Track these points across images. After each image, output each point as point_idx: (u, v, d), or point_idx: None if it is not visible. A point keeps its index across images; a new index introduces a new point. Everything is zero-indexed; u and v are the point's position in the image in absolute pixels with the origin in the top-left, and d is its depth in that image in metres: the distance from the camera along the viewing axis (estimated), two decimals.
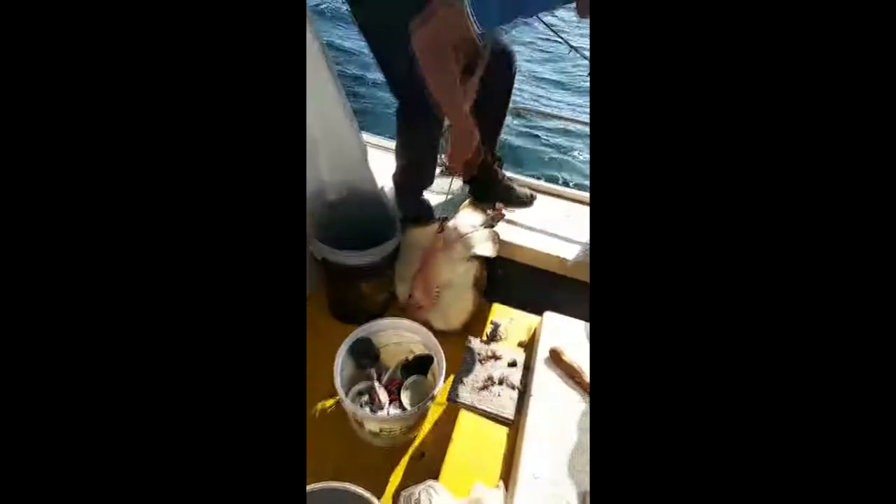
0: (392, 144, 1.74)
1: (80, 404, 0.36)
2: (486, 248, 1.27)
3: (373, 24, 1.16)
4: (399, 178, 1.46)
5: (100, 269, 0.37)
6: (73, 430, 0.36)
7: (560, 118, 2.19)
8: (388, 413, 1.18)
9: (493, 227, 1.40)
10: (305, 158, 1.20)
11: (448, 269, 1.33)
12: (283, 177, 0.42)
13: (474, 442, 1.01)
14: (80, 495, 0.36)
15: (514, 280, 1.61)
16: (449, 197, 1.53)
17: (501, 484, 0.90)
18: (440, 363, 1.19)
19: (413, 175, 1.45)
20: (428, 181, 1.52)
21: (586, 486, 0.86)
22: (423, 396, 1.15)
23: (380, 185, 1.40)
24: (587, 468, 0.90)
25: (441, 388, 1.13)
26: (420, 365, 1.27)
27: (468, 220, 1.36)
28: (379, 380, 1.25)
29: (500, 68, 1.26)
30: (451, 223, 1.22)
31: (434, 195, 1.55)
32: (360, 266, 1.31)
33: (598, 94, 0.43)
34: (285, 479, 0.40)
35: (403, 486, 0.89)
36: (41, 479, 0.35)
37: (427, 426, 1.28)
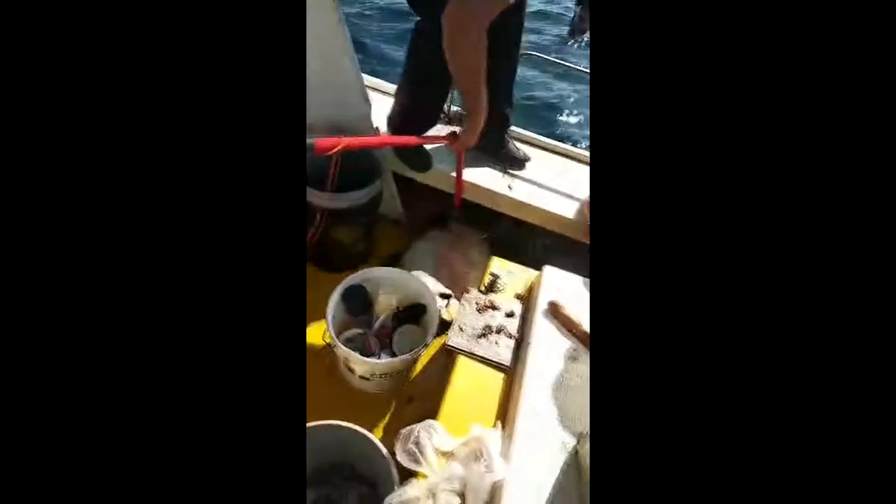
0: (388, 88, 1.65)
1: (87, 380, 0.36)
2: None
3: None
4: (398, 118, 1.39)
5: (91, 216, 0.36)
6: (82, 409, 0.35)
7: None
8: (379, 359, 1.14)
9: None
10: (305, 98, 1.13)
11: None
12: (282, 115, 0.40)
13: (471, 387, 0.98)
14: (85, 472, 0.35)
15: (512, 237, 1.58)
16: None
17: (499, 424, 0.88)
18: (432, 312, 1.15)
19: (415, 112, 1.35)
20: (428, 123, 1.42)
21: (581, 428, 0.86)
22: (414, 345, 1.11)
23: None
24: (584, 412, 0.89)
25: (433, 337, 1.10)
26: (412, 314, 1.23)
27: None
28: (370, 327, 1.21)
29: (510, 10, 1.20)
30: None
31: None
32: (334, 210, 1.25)
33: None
34: (285, 418, 0.40)
35: (394, 429, 0.87)
36: (38, 477, 0.34)
37: (418, 375, 1.25)
